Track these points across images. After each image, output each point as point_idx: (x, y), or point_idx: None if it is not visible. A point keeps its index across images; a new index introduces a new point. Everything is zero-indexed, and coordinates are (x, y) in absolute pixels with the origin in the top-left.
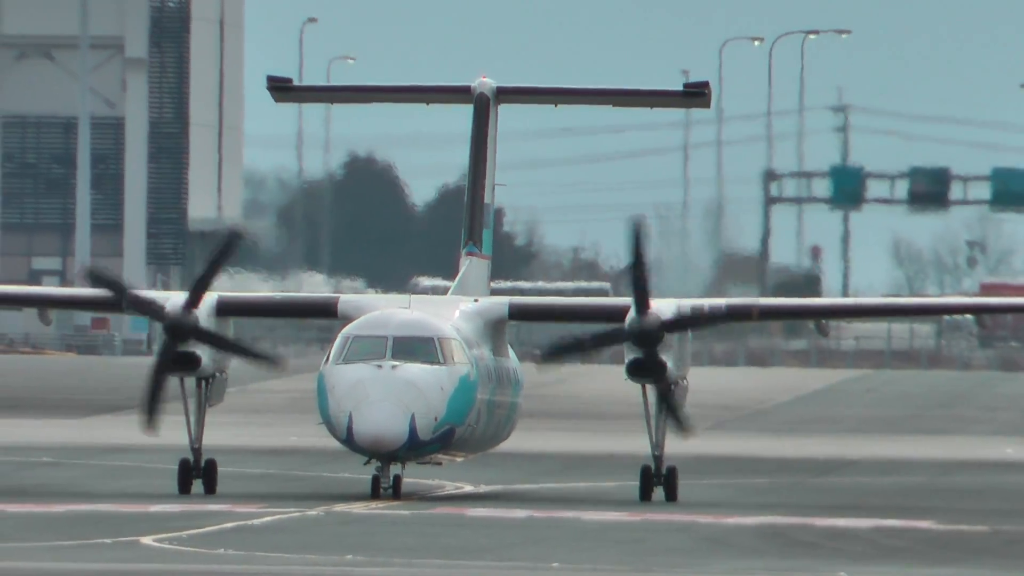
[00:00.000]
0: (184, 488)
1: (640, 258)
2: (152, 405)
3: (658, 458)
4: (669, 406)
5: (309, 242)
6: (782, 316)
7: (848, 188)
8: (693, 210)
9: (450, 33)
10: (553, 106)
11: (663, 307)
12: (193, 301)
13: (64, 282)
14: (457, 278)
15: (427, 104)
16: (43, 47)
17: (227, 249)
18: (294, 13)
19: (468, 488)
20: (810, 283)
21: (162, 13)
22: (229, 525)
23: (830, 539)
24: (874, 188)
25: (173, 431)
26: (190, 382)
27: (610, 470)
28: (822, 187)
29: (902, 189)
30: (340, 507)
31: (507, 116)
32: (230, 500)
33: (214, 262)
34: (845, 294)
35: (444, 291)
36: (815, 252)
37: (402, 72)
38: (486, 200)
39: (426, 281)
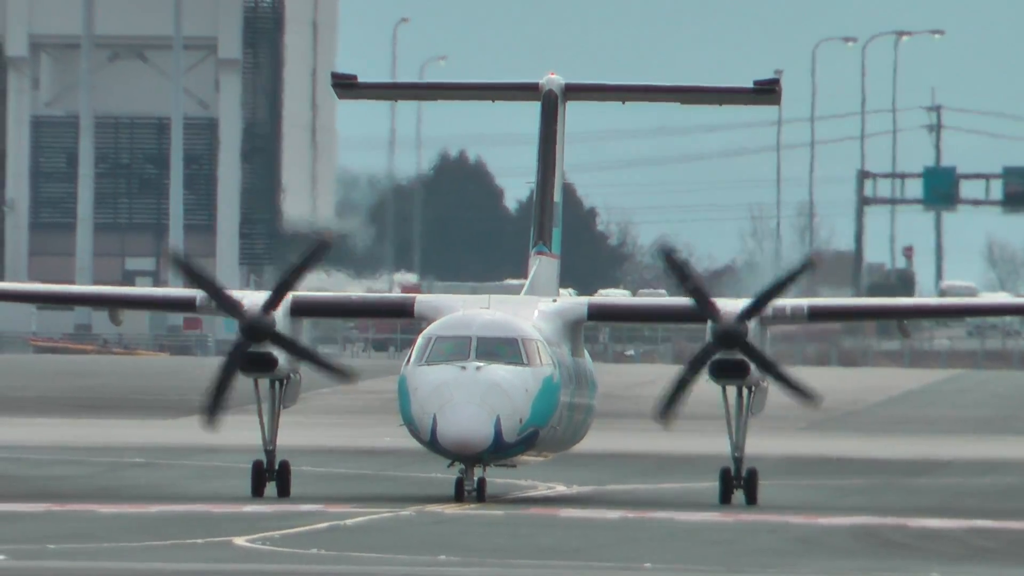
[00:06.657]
0: (257, 491)
1: (686, 275)
2: (218, 402)
3: (738, 460)
4: (784, 381)
5: (400, 242)
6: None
7: (941, 189)
8: (786, 209)
9: (545, 32)
10: (621, 103)
11: (734, 306)
12: (273, 303)
13: (157, 282)
14: (528, 278)
15: (493, 101)
16: (136, 48)
17: (314, 256)
18: (387, 13)
19: (561, 488)
20: (904, 283)
21: (255, 14)
22: (321, 525)
23: (923, 540)
24: (968, 189)
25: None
26: (263, 384)
27: (701, 471)
28: (915, 187)
29: (996, 190)
30: (432, 507)
31: (602, 116)
32: (322, 501)
33: (299, 267)
34: (939, 295)
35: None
36: (908, 252)
37: (496, 71)
38: (555, 199)
39: (514, 282)
